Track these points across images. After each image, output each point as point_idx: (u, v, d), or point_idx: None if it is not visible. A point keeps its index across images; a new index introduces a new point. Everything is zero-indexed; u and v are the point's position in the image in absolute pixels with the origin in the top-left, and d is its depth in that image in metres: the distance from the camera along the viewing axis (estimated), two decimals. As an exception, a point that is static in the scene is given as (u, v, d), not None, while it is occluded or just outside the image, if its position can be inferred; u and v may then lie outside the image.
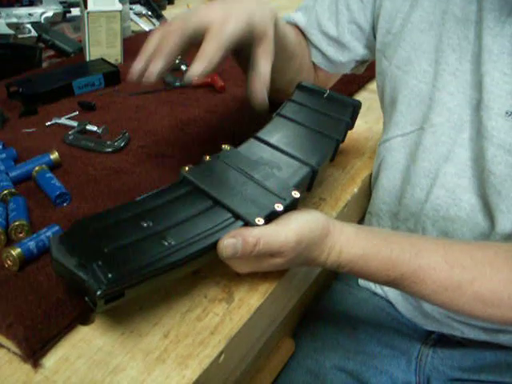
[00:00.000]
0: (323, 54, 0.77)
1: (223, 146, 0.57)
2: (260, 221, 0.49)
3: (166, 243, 0.46)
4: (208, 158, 0.55)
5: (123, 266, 0.42)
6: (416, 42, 0.64)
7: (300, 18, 0.77)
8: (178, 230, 0.47)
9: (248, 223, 0.49)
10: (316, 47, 0.77)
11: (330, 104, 0.67)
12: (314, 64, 0.80)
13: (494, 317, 0.54)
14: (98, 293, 0.40)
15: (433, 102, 0.63)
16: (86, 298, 0.44)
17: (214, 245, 0.48)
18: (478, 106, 0.59)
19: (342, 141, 0.65)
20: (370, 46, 0.75)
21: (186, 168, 0.53)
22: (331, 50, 0.76)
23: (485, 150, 0.58)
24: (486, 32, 0.57)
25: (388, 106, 0.70)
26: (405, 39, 0.65)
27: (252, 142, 0.60)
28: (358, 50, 0.75)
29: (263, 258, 0.50)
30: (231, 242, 0.47)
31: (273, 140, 0.60)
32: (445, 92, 0.61)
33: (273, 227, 0.49)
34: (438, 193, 0.64)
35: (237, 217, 0.50)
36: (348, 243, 0.53)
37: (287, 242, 0.48)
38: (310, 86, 0.68)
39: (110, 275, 0.41)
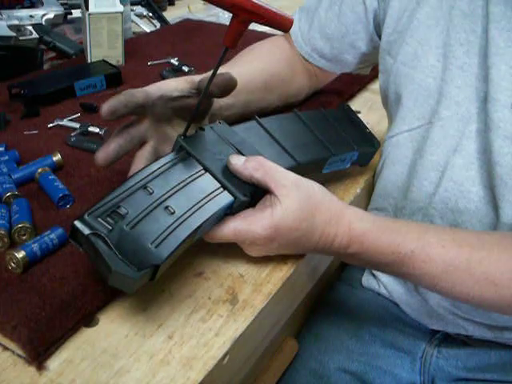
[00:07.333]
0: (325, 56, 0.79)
1: (217, 121, 0.58)
2: (246, 196, 0.52)
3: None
4: (201, 129, 0.56)
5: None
6: (423, 38, 0.64)
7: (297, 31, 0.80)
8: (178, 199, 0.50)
9: (234, 196, 0.52)
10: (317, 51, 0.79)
11: (355, 131, 0.68)
12: (310, 70, 0.83)
13: (506, 298, 0.53)
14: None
15: (441, 96, 0.63)
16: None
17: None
18: (485, 99, 0.59)
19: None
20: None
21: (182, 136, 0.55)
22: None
23: (492, 141, 0.59)
24: (493, 26, 0.58)
25: (393, 103, 0.71)
26: (411, 36, 0.65)
27: (252, 123, 0.61)
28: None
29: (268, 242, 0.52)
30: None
31: (272, 129, 0.61)
32: (453, 86, 0.62)
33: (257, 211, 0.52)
34: (447, 185, 0.64)
35: (224, 187, 0.52)
36: (356, 216, 0.54)
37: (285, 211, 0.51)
38: (353, 113, 0.70)
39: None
